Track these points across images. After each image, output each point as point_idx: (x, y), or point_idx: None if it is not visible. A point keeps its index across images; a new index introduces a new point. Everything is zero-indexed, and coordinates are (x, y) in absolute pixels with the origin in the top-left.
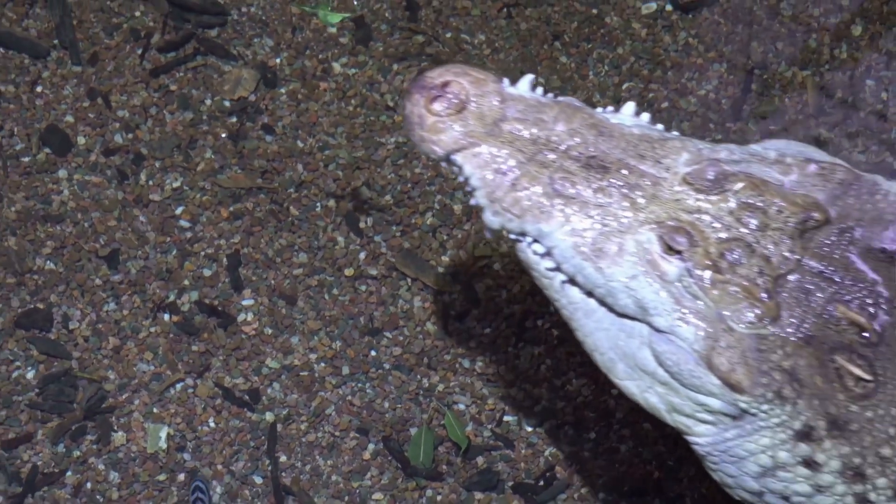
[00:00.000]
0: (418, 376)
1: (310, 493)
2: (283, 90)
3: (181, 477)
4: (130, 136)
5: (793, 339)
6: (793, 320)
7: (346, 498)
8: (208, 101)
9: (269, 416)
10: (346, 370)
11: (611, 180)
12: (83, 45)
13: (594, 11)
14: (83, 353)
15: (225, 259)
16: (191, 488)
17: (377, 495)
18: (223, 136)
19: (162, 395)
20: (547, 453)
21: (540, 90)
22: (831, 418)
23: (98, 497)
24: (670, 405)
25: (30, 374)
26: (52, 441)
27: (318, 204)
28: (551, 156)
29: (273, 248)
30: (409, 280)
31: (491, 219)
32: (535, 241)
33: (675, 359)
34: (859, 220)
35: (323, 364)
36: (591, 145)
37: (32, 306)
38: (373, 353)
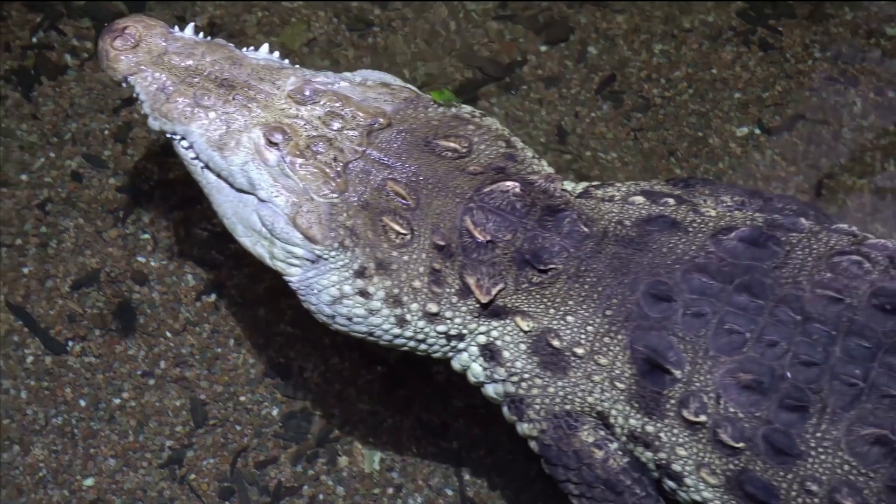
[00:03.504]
0: None
1: (488, 503)
2: None
3: (390, 490)
4: None
5: (354, 205)
6: (356, 193)
7: None
8: None
9: (455, 444)
10: None
11: (236, 95)
12: None
13: (700, 134)
14: (315, 395)
15: None
16: None
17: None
18: None
19: (376, 428)
20: None
21: (201, 34)
22: (378, 261)
23: None
24: (271, 254)
25: (275, 412)
26: (293, 462)
27: None
28: (197, 79)
29: None
30: None
31: (153, 123)
32: (183, 138)
33: (272, 220)
34: (414, 124)
35: None
36: (226, 71)
37: (277, 360)
38: None
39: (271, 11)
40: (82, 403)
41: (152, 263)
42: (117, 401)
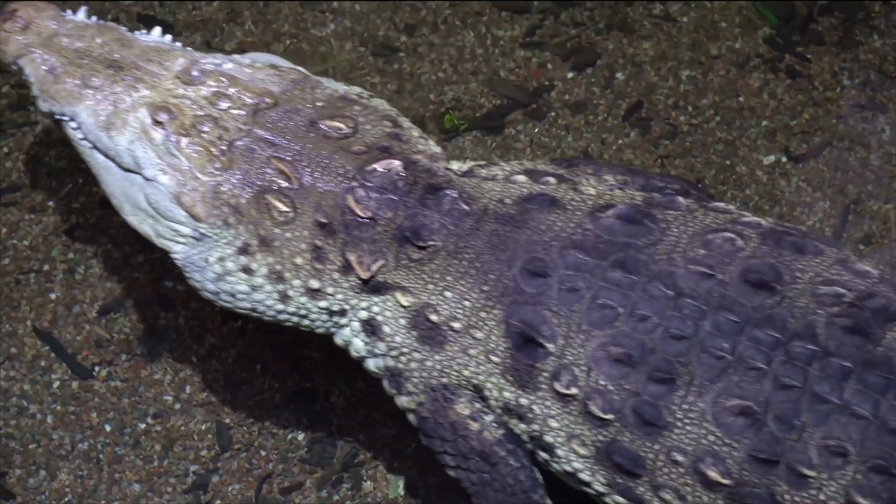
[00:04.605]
0: None
1: None
2: None
3: None
4: None
5: (238, 183)
6: (240, 171)
7: None
8: None
9: None
10: None
11: (124, 76)
12: None
13: (727, 162)
14: (341, 420)
15: None
16: None
17: None
18: None
19: (401, 453)
20: None
21: (94, 18)
22: (261, 238)
23: None
24: (157, 232)
25: (300, 437)
26: (317, 488)
27: None
28: (86, 60)
29: None
30: None
31: (42, 104)
32: (72, 119)
33: (156, 198)
34: (300, 105)
35: None
36: (115, 52)
37: (303, 385)
38: None
39: (300, 38)
40: (108, 428)
41: (179, 288)
42: (143, 425)
